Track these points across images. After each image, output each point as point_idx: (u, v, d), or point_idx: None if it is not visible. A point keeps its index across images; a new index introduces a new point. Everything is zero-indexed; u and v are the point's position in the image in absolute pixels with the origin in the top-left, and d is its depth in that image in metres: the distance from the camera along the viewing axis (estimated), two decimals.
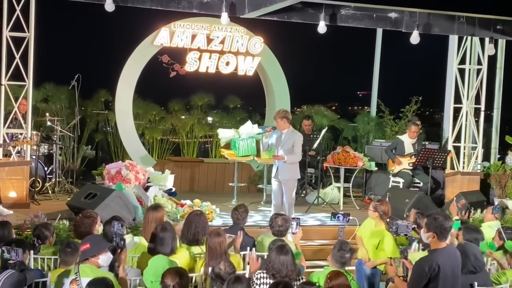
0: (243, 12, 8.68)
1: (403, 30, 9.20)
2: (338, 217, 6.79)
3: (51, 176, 10.38)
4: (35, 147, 9.64)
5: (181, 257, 5.60)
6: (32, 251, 5.57)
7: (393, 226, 6.08)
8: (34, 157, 9.57)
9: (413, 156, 10.47)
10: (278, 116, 8.44)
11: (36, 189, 9.72)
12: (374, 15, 9.10)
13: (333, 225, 8.13)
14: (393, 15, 9.13)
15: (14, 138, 9.10)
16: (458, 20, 9.40)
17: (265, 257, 5.47)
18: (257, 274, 5.12)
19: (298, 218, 6.48)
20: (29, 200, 9.08)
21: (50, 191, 10.01)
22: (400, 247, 5.97)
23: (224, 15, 8.49)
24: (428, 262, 4.99)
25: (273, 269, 5.02)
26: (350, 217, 6.89)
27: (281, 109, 8.80)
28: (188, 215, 6.30)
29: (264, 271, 5.11)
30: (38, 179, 9.82)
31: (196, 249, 5.88)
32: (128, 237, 5.91)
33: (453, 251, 5.18)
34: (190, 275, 5.34)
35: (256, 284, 5.02)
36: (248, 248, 6.03)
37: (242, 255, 5.94)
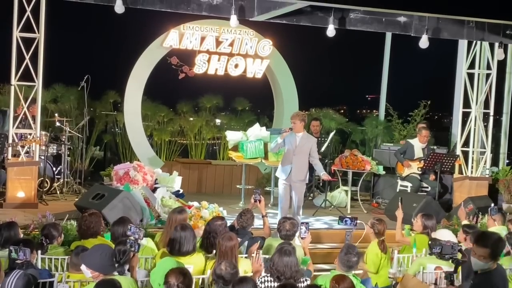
0: (252, 15, 8.69)
1: (412, 35, 9.17)
2: (346, 221, 6.78)
3: (59, 177, 10.42)
4: (43, 148, 9.68)
5: (197, 261, 5.61)
6: (40, 251, 5.59)
7: (436, 247, 5.85)
8: (42, 157, 9.60)
9: (422, 161, 10.44)
10: (298, 118, 8.43)
11: (44, 189, 9.76)
12: (383, 19, 9.07)
13: (341, 229, 8.13)
14: (402, 19, 9.11)
15: (23, 138, 9.14)
16: (468, 25, 9.38)
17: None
18: (261, 278, 5.12)
19: (307, 223, 6.46)
20: (37, 200, 9.12)
21: (58, 192, 10.04)
22: (444, 271, 5.73)
23: (233, 18, 8.50)
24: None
25: (277, 272, 5.01)
26: (358, 221, 6.87)
27: (299, 111, 8.83)
28: (209, 222, 6.31)
29: (268, 274, 5.10)
30: (47, 179, 9.87)
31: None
32: None
33: (503, 270, 4.79)
34: (198, 276, 5.36)
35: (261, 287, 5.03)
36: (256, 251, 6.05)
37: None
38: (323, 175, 8.57)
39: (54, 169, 10.20)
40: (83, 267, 4.81)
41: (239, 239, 6.12)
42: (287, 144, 8.48)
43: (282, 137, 8.43)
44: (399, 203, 7.46)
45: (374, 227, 6.59)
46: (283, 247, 5.14)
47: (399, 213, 7.32)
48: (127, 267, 5.01)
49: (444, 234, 6.31)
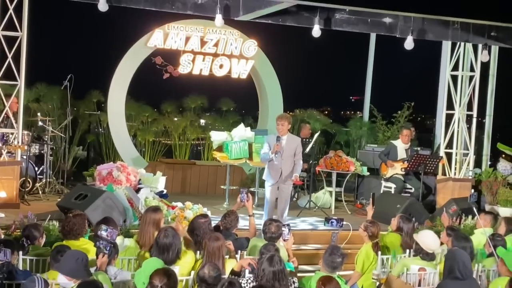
0: (238, 14, 8.65)
1: (397, 36, 9.19)
2: (332, 222, 6.79)
3: (41, 177, 10.32)
4: (26, 147, 9.58)
5: (184, 262, 5.57)
6: (21, 252, 5.52)
7: None
8: (24, 157, 9.50)
9: (405, 162, 10.48)
10: (287, 120, 8.41)
11: (27, 190, 9.64)
12: (369, 20, 9.08)
13: (326, 230, 8.13)
14: (387, 20, 9.13)
15: (5, 138, 9.03)
16: (453, 26, 9.42)
17: (256, 260, 5.44)
18: (246, 279, 5.09)
19: (289, 225, 6.46)
20: (19, 201, 9.00)
21: (40, 192, 9.94)
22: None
23: (219, 17, 8.46)
24: None
25: (267, 281, 4.96)
26: (344, 222, 6.87)
27: (285, 113, 8.79)
28: (193, 221, 6.30)
29: (252, 276, 5.07)
30: (29, 179, 9.76)
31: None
32: (119, 239, 5.88)
33: None
34: (182, 278, 5.31)
35: None
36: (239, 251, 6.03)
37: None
38: (295, 176, 8.46)
39: (36, 169, 10.09)
40: (60, 278, 4.75)
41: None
42: (266, 151, 8.45)
43: (273, 152, 8.35)
44: (370, 199, 7.46)
45: (367, 229, 6.60)
46: (272, 256, 5.04)
47: (370, 209, 7.29)
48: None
49: (427, 235, 6.31)
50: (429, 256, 6.18)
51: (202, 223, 6.14)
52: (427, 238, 6.22)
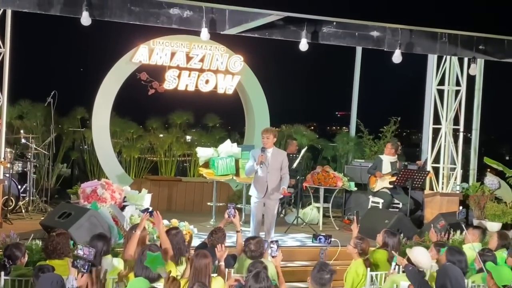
0: (224, 28, 8.59)
1: (385, 49, 9.18)
2: (320, 239, 6.70)
3: (24, 195, 10.15)
4: (8, 165, 9.43)
5: None
6: (2, 273, 5.39)
7: None
8: (7, 175, 9.36)
9: (394, 175, 10.45)
10: (273, 133, 8.38)
11: (9, 208, 9.49)
12: (356, 34, 9.05)
13: (314, 246, 8.03)
14: (375, 33, 9.10)
15: None
16: (441, 40, 9.41)
17: (244, 278, 5.35)
18: None
19: (277, 241, 6.37)
20: (1, 219, 8.85)
21: (23, 210, 9.77)
22: None
23: (204, 31, 8.39)
24: None
25: None
26: (332, 239, 6.80)
27: (270, 127, 8.75)
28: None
29: None
30: (11, 197, 9.60)
31: (181, 268, 5.86)
32: (107, 258, 5.76)
33: None
34: None
35: None
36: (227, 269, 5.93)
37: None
38: (283, 189, 8.38)
39: (19, 187, 9.94)
40: None
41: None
42: (251, 164, 8.39)
43: (258, 163, 8.29)
44: (354, 216, 7.41)
45: (357, 246, 6.53)
46: (258, 273, 4.97)
47: (354, 227, 7.22)
48: None
49: (420, 252, 6.23)
50: None
51: (174, 235, 6.17)
52: (420, 256, 6.15)
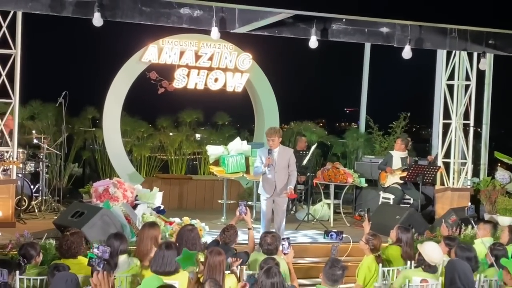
0: (234, 27, 8.61)
1: (395, 45, 9.15)
2: (332, 235, 6.73)
3: (37, 195, 10.22)
4: (21, 165, 9.50)
5: (183, 277, 5.51)
6: (18, 272, 5.45)
7: None
8: (20, 175, 9.42)
9: (404, 170, 10.46)
10: (277, 134, 8.34)
11: (22, 208, 9.55)
12: (366, 30, 9.04)
13: (325, 243, 8.05)
14: (384, 30, 9.09)
15: (0, 156, 8.96)
16: (450, 35, 9.38)
17: (256, 275, 5.39)
18: None
19: (289, 238, 6.40)
20: (15, 219, 8.91)
21: (36, 210, 9.84)
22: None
23: (215, 30, 8.42)
24: None
25: None
26: (344, 235, 6.81)
27: (274, 127, 8.74)
28: (180, 230, 6.27)
29: None
30: (24, 197, 9.66)
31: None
32: (123, 257, 5.81)
33: None
34: None
35: None
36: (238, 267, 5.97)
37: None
38: (289, 189, 8.34)
39: (32, 187, 10.01)
40: None
41: None
42: (258, 165, 8.41)
43: (265, 166, 8.29)
44: (365, 214, 7.40)
45: (369, 242, 6.54)
46: (269, 268, 5.01)
47: (366, 225, 7.18)
48: None
49: (431, 247, 6.24)
50: (431, 268, 6.10)
51: (189, 231, 6.19)
52: (431, 251, 6.14)
